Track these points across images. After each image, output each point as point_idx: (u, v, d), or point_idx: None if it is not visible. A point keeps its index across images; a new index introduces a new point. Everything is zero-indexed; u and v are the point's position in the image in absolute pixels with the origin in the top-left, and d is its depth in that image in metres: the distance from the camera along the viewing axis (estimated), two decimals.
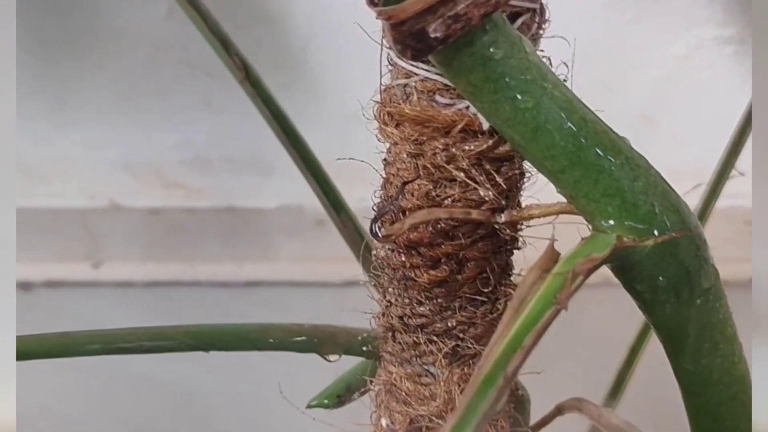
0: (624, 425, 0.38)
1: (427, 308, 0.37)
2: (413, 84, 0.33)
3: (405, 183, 0.34)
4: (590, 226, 0.31)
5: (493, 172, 0.34)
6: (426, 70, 0.32)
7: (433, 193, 0.34)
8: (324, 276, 1.05)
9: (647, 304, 0.32)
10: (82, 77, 1.01)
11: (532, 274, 0.29)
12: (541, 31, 0.32)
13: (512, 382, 0.26)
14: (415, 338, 0.37)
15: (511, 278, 0.37)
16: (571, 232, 0.32)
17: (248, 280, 1.08)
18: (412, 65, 0.32)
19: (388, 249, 0.37)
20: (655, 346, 0.35)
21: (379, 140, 0.35)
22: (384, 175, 0.36)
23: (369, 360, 0.42)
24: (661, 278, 0.31)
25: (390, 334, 0.38)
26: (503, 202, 0.34)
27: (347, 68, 0.85)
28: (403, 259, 0.36)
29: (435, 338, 0.37)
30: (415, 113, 0.33)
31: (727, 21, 0.96)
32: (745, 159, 0.47)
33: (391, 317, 0.38)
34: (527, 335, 0.26)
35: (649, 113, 1.01)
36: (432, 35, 0.27)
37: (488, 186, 0.33)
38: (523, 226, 0.36)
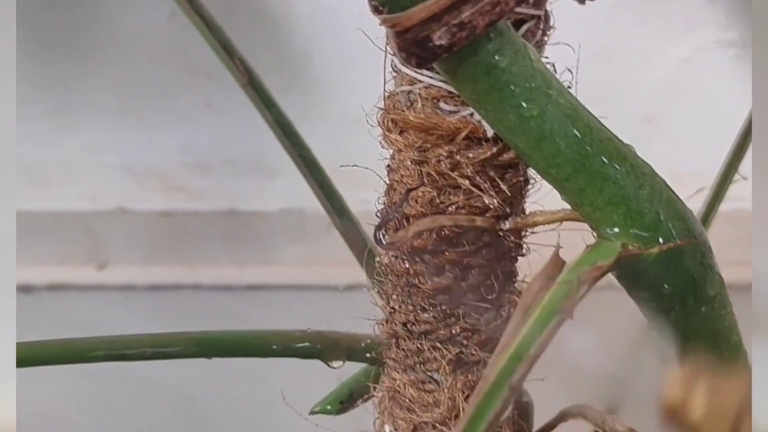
0: None
1: (431, 315, 0.36)
2: (417, 91, 0.33)
3: (409, 190, 0.34)
4: (595, 234, 0.31)
5: (497, 179, 0.33)
6: (430, 77, 0.32)
7: (438, 201, 0.34)
8: (326, 279, 1.04)
9: (652, 311, 0.32)
10: (83, 80, 1.01)
11: (537, 282, 0.29)
12: (545, 38, 0.32)
13: (518, 392, 0.26)
14: (418, 345, 0.37)
15: (516, 285, 0.37)
16: (575, 239, 0.32)
17: (250, 284, 1.08)
18: (416, 72, 0.32)
19: (392, 256, 0.37)
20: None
21: (382, 146, 0.35)
22: (387, 182, 0.36)
23: (372, 366, 0.42)
24: (666, 286, 0.31)
25: (394, 340, 0.38)
26: (507, 209, 0.34)
27: (349, 72, 0.85)
28: (407, 265, 0.36)
29: (439, 345, 0.37)
30: (419, 120, 0.33)
31: (729, 24, 0.96)
32: (748, 163, 0.47)
33: (395, 324, 0.38)
34: (532, 345, 0.26)
35: (652, 116, 1.01)
36: (437, 43, 0.27)
37: (492, 193, 0.33)
38: (527, 233, 0.36)
